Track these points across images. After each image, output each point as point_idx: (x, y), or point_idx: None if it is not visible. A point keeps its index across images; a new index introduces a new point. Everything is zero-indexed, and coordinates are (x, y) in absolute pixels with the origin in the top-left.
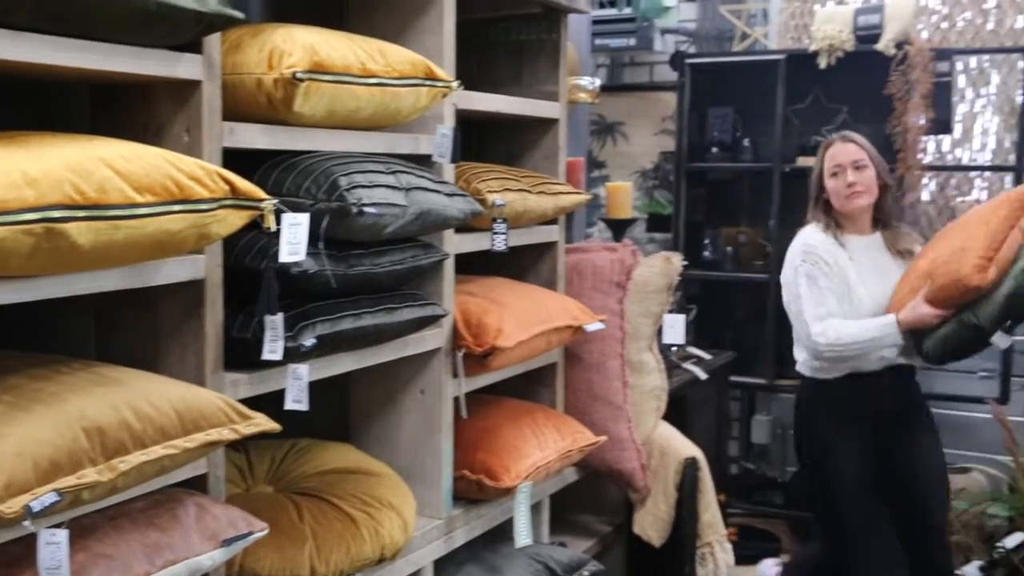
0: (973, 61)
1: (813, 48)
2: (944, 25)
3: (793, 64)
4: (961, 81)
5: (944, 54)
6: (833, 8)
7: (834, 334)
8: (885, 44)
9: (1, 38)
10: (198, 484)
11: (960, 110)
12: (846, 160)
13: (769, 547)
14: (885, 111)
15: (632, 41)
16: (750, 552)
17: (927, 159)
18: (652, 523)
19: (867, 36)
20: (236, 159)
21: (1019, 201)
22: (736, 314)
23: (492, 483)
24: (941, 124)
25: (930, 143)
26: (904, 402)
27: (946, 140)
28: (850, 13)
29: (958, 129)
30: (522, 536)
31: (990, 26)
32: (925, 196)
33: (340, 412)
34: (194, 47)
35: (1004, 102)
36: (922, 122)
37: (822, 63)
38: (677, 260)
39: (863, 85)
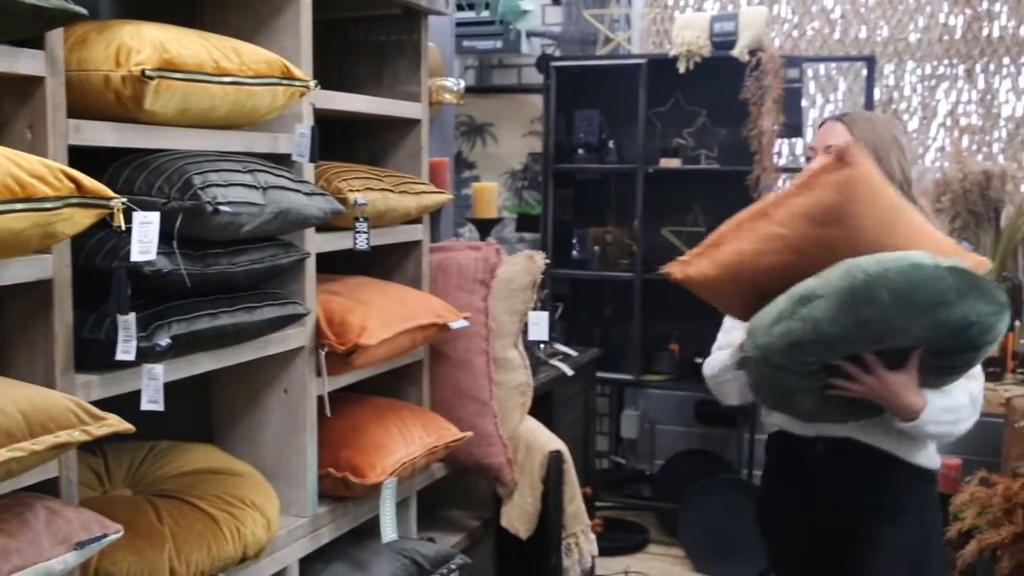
0: (822, 68)
1: (673, 53)
2: (795, 34)
3: (654, 68)
4: (811, 87)
5: (794, 61)
6: (691, 15)
7: (709, 363)
8: (740, 50)
9: None
10: (49, 488)
11: (811, 115)
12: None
13: (638, 538)
14: (742, 115)
15: (499, 44)
16: (620, 544)
17: (781, 161)
18: (519, 516)
19: (723, 43)
20: (87, 159)
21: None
22: (604, 312)
23: (357, 480)
24: (793, 128)
25: (784, 146)
26: (852, 499)
27: (798, 143)
28: (707, 20)
29: (809, 133)
30: (388, 532)
31: (836, 36)
32: None
33: (203, 413)
34: (35, 42)
35: (850, 107)
36: (775, 126)
37: (681, 68)
38: (540, 258)
39: (721, 89)
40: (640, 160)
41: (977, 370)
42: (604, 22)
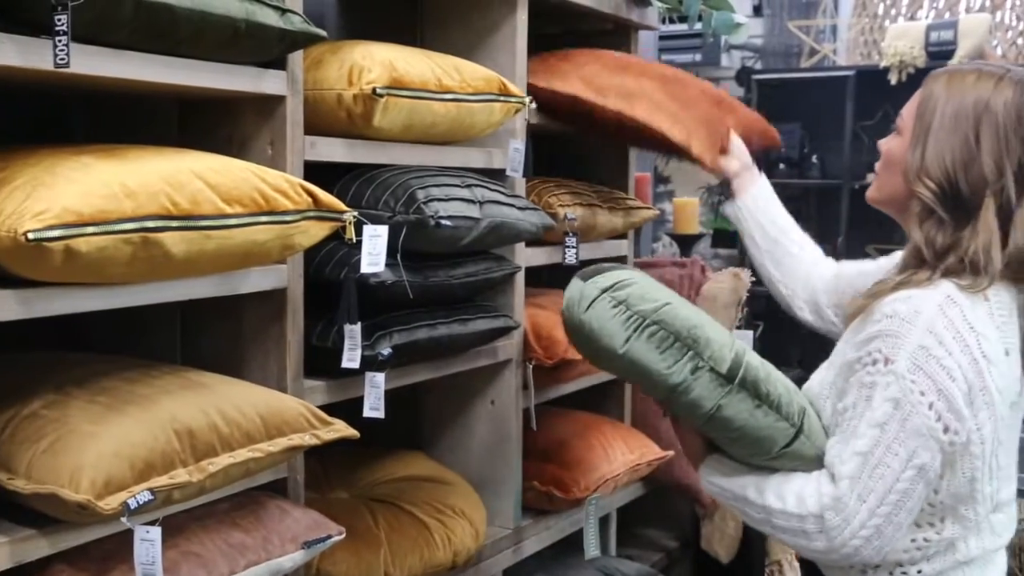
0: None
1: (884, 64)
2: (1020, 41)
3: (863, 80)
4: None
5: None
6: (905, 24)
7: None
8: (959, 60)
9: (104, 56)
10: (278, 488)
11: None
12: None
13: None
14: None
15: (698, 56)
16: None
17: None
18: (720, 539)
19: (939, 52)
20: (314, 172)
21: None
22: (803, 331)
23: (562, 495)
24: None
25: None
26: None
27: None
28: (922, 29)
29: None
30: (591, 548)
31: None
32: None
33: (411, 422)
34: (278, 63)
35: None
36: None
37: (893, 79)
38: (746, 276)
39: None
40: (846, 175)
41: (846, 471)
42: (809, 33)
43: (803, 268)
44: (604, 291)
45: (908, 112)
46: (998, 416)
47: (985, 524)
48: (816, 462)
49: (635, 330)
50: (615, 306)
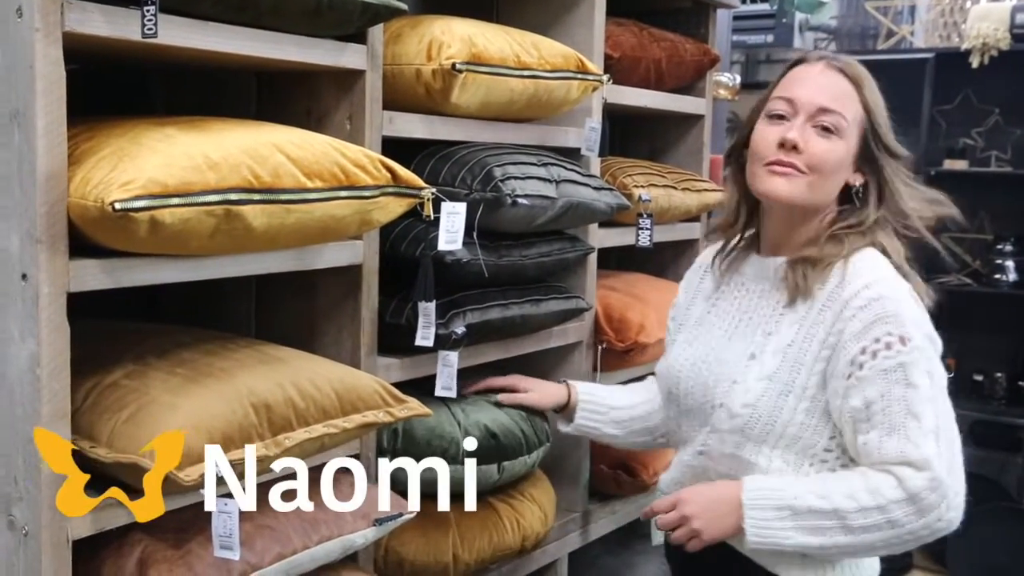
0: None
1: (965, 47)
2: None
3: (942, 63)
4: None
5: None
6: (988, 5)
7: None
8: None
9: (188, 27)
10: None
11: None
12: (806, 97)
13: (900, 562)
14: None
15: (770, 38)
16: (882, 566)
17: None
18: None
19: None
20: (388, 148)
21: None
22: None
23: (629, 479)
24: None
25: None
26: None
27: None
28: (1007, 10)
29: None
30: (658, 535)
31: None
32: None
33: None
34: (358, 37)
35: None
36: None
37: (974, 62)
38: None
39: (1019, 86)
40: (921, 161)
41: (928, 451)
42: (887, 14)
43: (645, 422)
44: None
45: (844, 106)
46: None
47: None
48: None
49: None
50: None
